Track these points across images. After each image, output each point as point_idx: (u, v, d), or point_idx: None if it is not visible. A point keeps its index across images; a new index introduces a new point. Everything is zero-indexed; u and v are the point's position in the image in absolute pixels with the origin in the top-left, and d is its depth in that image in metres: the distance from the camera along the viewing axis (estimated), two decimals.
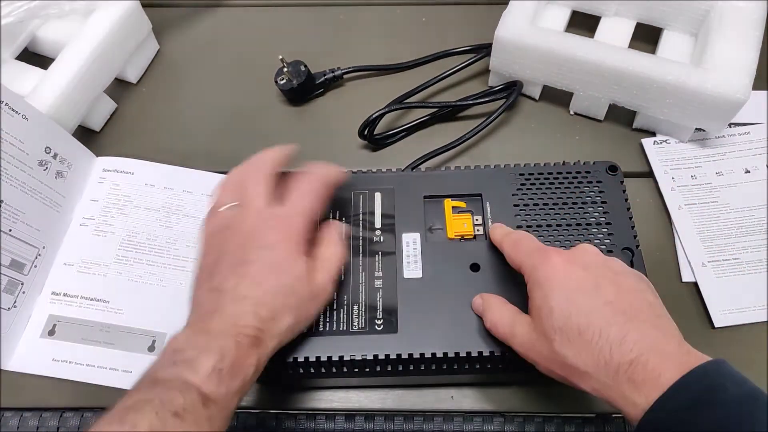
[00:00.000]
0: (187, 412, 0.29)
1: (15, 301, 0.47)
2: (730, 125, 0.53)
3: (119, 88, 0.60)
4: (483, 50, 0.57)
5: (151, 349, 0.46)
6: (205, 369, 0.31)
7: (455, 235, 0.42)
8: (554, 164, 0.45)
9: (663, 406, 0.29)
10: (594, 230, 0.42)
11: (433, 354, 0.38)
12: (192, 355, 0.32)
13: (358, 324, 0.39)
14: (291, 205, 0.38)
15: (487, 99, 0.55)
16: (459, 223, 0.43)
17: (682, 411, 0.28)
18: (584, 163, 0.45)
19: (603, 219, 0.43)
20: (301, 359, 0.38)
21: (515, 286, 0.40)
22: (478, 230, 0.43)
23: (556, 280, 0.34)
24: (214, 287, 0.35)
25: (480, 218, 0.43)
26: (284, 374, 0.40)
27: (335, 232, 0.41)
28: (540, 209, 0.43)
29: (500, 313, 0.37)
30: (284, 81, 0.57)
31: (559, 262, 0.34)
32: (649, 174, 0.53)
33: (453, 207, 0.44)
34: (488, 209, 0.43)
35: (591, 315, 0.32)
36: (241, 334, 0.33)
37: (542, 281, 0.34)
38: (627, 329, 0.31)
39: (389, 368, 0.39)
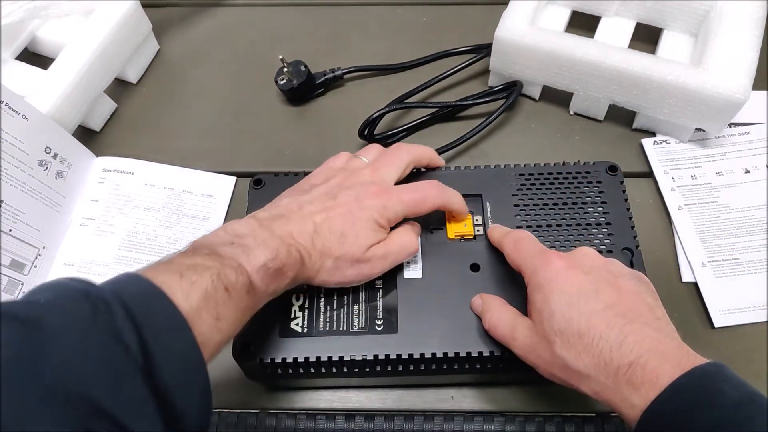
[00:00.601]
0: (235, 291, 0.31)
1: None
2: (730, 125, 0.53)
3: (119, 88, 0.60)
4: (483, 50, 0.57)
5: None
6: (258, 261, 0.33)
7: (455, 235, 0.42)
8: (554, 164, 0.45)
9: (660, 407, 0.29)
10: (594, 230, 0.42)
11: (433, 354, 0.38)
12: (251, 243, 0.33)
13: (358, 324, 0.39)
14: (403, 190, 0.40)
15: (487, 99, 0.55)
16: (459, 223, 0.43)
17: (679, 412, 0.28)
18: (584, 164, 0.45)
19: (603, 219, 0.43)
20: (301, 359, 0.38)
21: (515, 286, 0.40)
22: (478, 230, 0.43)
23: (557, 284, 0.34)
24: (298, 200, 0.38)
25: (480, 218, 0.43)
26: (284, 374, 0.40)
27: (410, 225, 0.41)
28: (540, 209, 0.43)
29: (500, 315, 0.37)
30: (284, 81, 0.57)
31: (560, 266, 0.34)
32: (649, 174, 0.53)
33: None
34: (488, 209, 0.43)
35: (591, 318, 0.32)
36: (294, 246, 0.35)
37: (543, 284, 0.34)
38: (627, 332, 0.31)
39: (389, 368, 0.39)
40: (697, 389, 0.29)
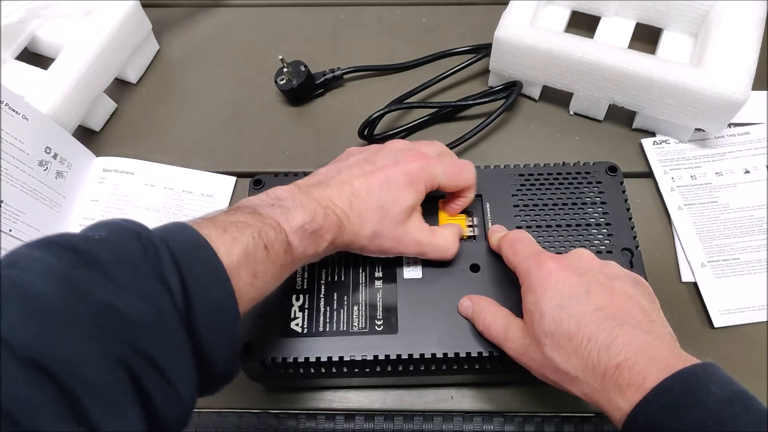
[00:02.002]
0: (273, 249, 0.32)
1: None
2: (730, 125, 0.53)
3: (119, 88, 0.60)
4: (483, 50, 0.57)
5: None
6: (296, 222, 0.34)
7: None
8: (554, 165, 0.45)
9: (645, 408, 0.29)
10: (594, 231, 0.42)
11: (433, 354, 0.38)
12: (290, 205, 0.34)
13: (358, 324, 0.39)
14: (442, 163, 0.40)
15: (487, 99, 0.55)
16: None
17: (663, 413, 0.28)
18: (584, 164, 0.45)
19: (603, 219, 0.43)
20: (301, 359, 0.38)
21: (515, 287, 0.39)
22: (471, 231, 0.43)
23: (548, 285, 0.34)
24: (337, 167, 0.39)
25: (475, 220, 0.43)
26: (285, 374, 0.40)
27: (457, 227, 0.42)
28: (540, 210, 0.43)
29: (493, 316, 0.37)
30: (284, 81, 0.57)
31: (553, 268, 0.34)
32: (649, 174, 0.53)
33: None
34: (488, 210, 0.43)
35: (581, 321, 0.32)
36: (332, 209, 0.36)
37: (535, 285, 0.34)
38: (615, 334, 0.31)
39: (389, 368, 0.39)
40: (683, 390, 0.28)
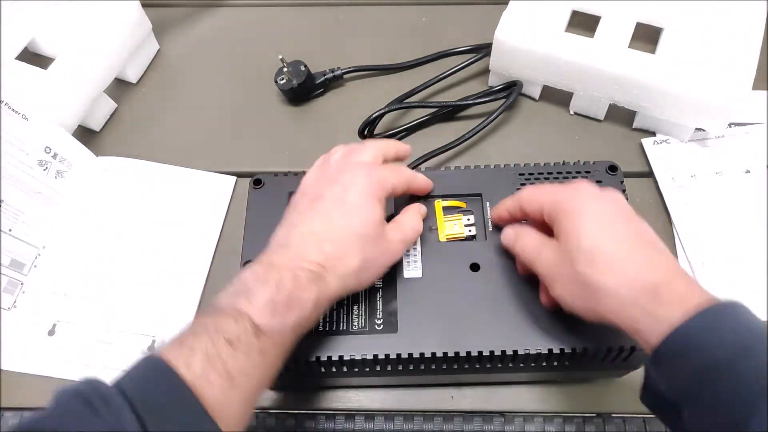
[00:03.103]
0: (240, 341, 0.30)
1: (15, 301, 0.47)
2: (730, 125, 0.53)
3: (119, 88, 0.60)
4: (483, 50, 0.57)
5: (151, 348, 0.46)
6: (260, 300, 0.31)
7: (446, 238, 0.42)
8: (554, 164, 0.45)
9: (689, 325, 0.29)
10: None
11: (433, 354, 0.38)
12: (251, 286, 0.32)
13: (358, 324, 0.39)
14: (384, 167, 0.39)
15: (487, 99, 0.55)
16: (451, 225, 0.43)
17: (705, 332, 0.28)
18: (584, 163, 0.45)
19: None
20: (301, 359, 0.38)
21: (515, 286, 0.40)
22: (470, 230, 0.43)
23: (587, 207, 0.34)
24: (290, 221, 0.37)
25: (472, 218, 0.43)
26: (284, 375, 0.40)
27: (417, 207, 0.41)
28: None
29: (531, 237, 0.38)
30: (284, 81, 0.57)
31: (592, 191, 0.36)
32: (649, 174, 0.53)
33: (445, 208, 0.43)
34: (488, 209, 0.43)
35: (619, 241, 0.33)
36: (302, 268, 0.33)
37: (574, 209, 0.35)
38: (654, 258, 0.32)
39: (389, 368, 0.39)
40: (731, 313, 0.29)
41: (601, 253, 0.33)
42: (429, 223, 0.43)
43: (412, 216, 0.40)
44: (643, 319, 0.30)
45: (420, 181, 0.42)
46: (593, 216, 0.34)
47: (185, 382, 0.27)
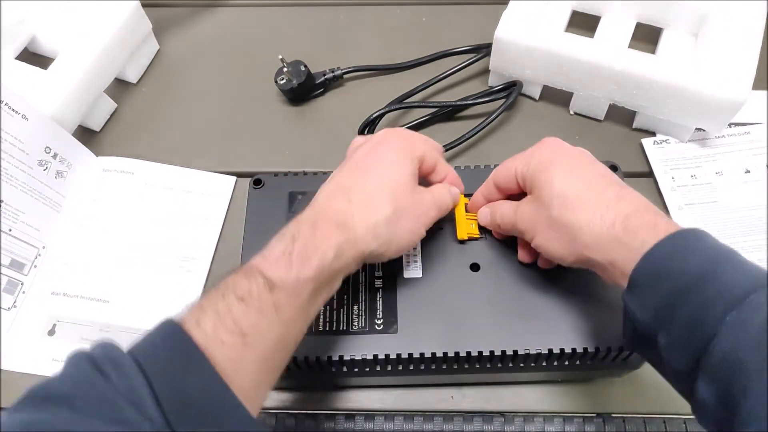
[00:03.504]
0: (252, 297, 0.29)
1: (15, 301, 0.47)
2: (730, 125, 0.53)
3: (119, 88, 0.60)
4: (483, 50, 0.57)
5: None
6: (274, 254, 0.31)
7: (467, 236, 0.42)
8: None
9: (658, 249, 0.30)
10: None
11: (433, 354, 0.38)
12: (270, 243, 0.32)
13: (359, 324, 0.39)
14: (417, 134, 0.40)
15: (487, 99, 0.55)
16: (468, 224, 0.42)
17: (674, 255, 0.30)
18: None
19: None
20: (301, 359, 0.38)
21: (515, 286, 0.40)
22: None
23: (557, 157, 0.37)
24: (321, 188, 0.36)
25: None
26: (284, 374, 0.40)
27: (454, 178, 0.41)
28: None
29: (505, 205, 0.40)
30: (284, 81, 0.57)
31: (560, 144, 0.38)
32: (649, 174, 0.53)
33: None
34: None
35: (589, 183, 0.35)
36: (323, 216, 0.33)
37: (545, 159, 0.37)
38: (623, 193, 0.34)
39: (389, 368, 0.39)
40: (694, 237, 0.31)
41: (572, 193, 0.34)
42: (439, 223, 0.43)
43: (443, 186, 0.40)
44: (618, 249, 0.32)
45: (450, 168, 0.41)
46: (563, 164, 0.36)
47: (195, 343, 0.27)
